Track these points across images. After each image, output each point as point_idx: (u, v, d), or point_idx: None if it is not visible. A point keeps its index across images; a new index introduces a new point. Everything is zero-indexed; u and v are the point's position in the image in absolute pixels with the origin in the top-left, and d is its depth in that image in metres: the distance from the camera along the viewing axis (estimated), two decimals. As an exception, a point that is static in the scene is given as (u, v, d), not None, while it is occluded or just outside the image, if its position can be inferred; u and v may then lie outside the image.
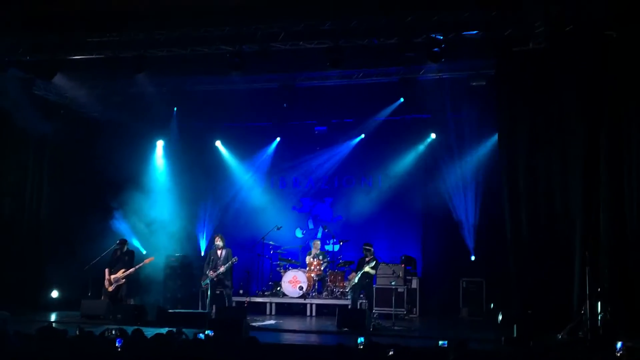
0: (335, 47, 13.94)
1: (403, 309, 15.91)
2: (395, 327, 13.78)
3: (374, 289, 15.43)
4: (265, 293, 17.65)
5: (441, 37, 13.52)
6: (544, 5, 12.63)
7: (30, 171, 16.83)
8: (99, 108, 17.54)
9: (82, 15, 13.56)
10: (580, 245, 12.62)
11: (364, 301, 15.22)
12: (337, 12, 13.34)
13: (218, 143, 19.64)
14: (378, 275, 15.61)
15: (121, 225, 17.24)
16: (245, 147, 19.48)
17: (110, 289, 15.05)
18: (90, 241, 16.52)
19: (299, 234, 19.54)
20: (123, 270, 15.14)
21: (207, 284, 15.04)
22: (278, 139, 19.41)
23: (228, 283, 15.14)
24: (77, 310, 14.75)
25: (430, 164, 17.96)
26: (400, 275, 15.87)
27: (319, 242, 18.06)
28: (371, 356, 8.77)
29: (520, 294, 13.33)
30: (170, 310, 15.15)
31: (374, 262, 14.57)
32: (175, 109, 18.51)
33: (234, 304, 15.93)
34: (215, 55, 14.65)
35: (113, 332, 9.84)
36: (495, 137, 14.98)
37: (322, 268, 17.40)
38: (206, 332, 9.79)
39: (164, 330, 10.10)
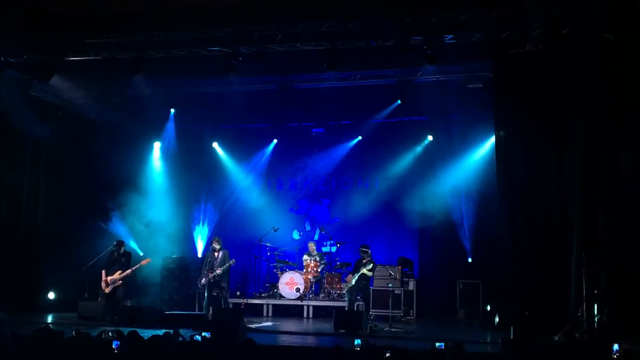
0: (332, 49, 13.96)
1: (400, 311, 15.91)
2: (392, 329, 13.77)
3: (371, 290, 15.44)
4: (262, 295, 17.64)
5: (438, 40, 13.53)
6: (541, 7, 12.65)
7: (27, 172, 16.80)
8: (96, 109, 17.54)
9: (79, 16, 13.56)
10: (577, 247, 12.63)
11: (361, 303, 15.23)
12: (334, 14, 13.36)
13: (215, 145, 19.64)
14: (375, 277, 15.61)
15: (118, 227, 17.23)
16: (243, 149, 19.48)
17: (107, 290, 15.04)
18: (87, 243, 16.54)
19: (296, 235, 19.54)
20: (120, 271, 15.13)
21: (204, 285, 15.04)
22: (275, 140, 19.41)
23: (225, 285, 15.14)
24: (74, 312, 14.74)
25: (427, 166, 17.97)
26: (397, 277, 15.87)
27: (314, 244, 18.04)
28: (368, 358, 8.78)
29: (517, 296, 13.33)
30: (167, 312, 15.14)
31: (371, 264, 14.57)
32: (172, 110, 18.51)
33: (230, 306, 15.93)
34: (212, 56, 14.67)
35: (110, 333, 9.85)
36: (492, 139, 14.99)
37: (319, 270, 17.40)
38: (203, 334, 9.80)
39: (160, 332, 10.09)
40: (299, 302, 16.83)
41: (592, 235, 12.60)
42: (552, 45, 13.01)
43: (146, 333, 9.90)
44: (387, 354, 8.38)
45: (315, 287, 17.42)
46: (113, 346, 8.74)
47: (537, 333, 11.58)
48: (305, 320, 16.40)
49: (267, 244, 18.00)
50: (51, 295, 16.86)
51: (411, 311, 16.47)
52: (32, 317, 14.57)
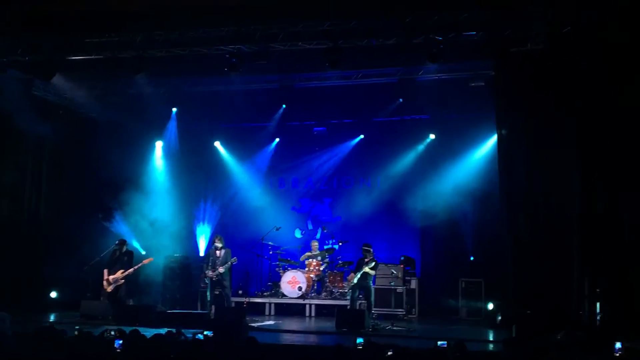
0: (334, 48, 13.94)
1: (402, 310, 15.92)
2: (394, 328, 13.79)
3: (373, 289, 15.42)
4: (265, 293, 17.66)
5: (440, 38, 13.52)
6: (543, 6, 12.64)
7: (28, 172, 16.81)
8: (98, 109, 17.55)
9: (80, 16, 13.55)
10: (579, 245, 12.63)
11: (363, 302, 15.22)
12: (336, 12, 13.35)
13: (217, 144, 19.64)
14: (377, 276, 15.60)
15: (120, 226, 17.24)
16: (245, 148, 19.48)
17: (109, 289, 15.05)
18: (89, 242, 16.54)
19: (298, 234, 19.53)
20: (122, 270, 15.14)
21: (206, 284, 15.04)
22: (277, 139, 19.40)
23: (227, 284, 15.14)
24: (76, 311, 14.76)
25: (429, 165, 17.95)
26: (399, 275, 15.87)
27: (316, 243, 18.05)
28: (370, 357, 8.78)
29: (519, 295, 13.33)
30: (169, 311, 15.16)
31: (373, 262, 14.56)
32: (174, 109, 18.52)
33: (233, 305, 15.93)
34: (214, 55, 14.66)
35: (112, 332, 9.85)
36: (494, 138, 14.99)
37: (321, 269, 17.40)
38: (205, 333, 9.80)
39: (163, 331, 10.11)
40: (301, 301, 16.84)
41: (594, 234, 12.60)
42: (553, 44, 13.01)
43: (148, 332, 9.91)
44: (389, 353, 8.38)
45: (318, 285, 17.43)
46: (115, 345, 8.75)
47: (539, 332, 11.58)
48: (307, 319, 16.41)
49: (269, 243, 18.01)
50: (53, 294, 16.86)
51: (413, 310, 16.46)
52: (34, 316, 14.56)
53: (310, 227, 19.60)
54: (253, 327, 13.70)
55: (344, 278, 16.80)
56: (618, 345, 8.95)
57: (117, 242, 15.56)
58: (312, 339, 13.15)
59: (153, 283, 17.30)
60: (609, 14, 12.32)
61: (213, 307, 14.88)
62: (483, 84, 15.30)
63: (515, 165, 13.71)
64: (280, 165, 19.69)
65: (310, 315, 16.63)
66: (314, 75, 16.65)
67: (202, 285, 15.33)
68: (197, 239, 19.16)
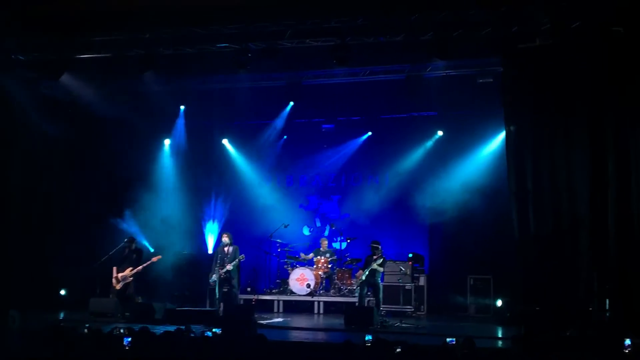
0: (341, 45, 13.94)
1: (410, 306, 15.91)
2: (403, 325, 13.78)
3: (382, 286, 15.41)
4: (273, 291, 17.68)
5: (448, 35, 13.49)
6: (551, 1, 12.59)
7: (38, 170, 16.85)
8: (106, 107, 17.52)
9: (88, 15, 13.58)
10: (588, 242, 12.59)
11: (372, 299, 15.23)
12: (343, 9, 13.34)
13: (225, 141, 19.65)
14: (385, 273, 15.60)
15: (129, 224, 17.27)
16: (253, 145, 19.48)
17: (118, 287, 15.10)
18: (98, 239, 16.57)
19: (306, 231, 19.53)
20: (131, 268, 15.18)
21: (215, 281, 15.06)
22: (285, 137, 19.39)
23: (235, 281, 15.15)
24: (85, 309, 14.80)
25: (438, 162, 17.91)
26: (408, 272, 15.85)
27: (326, 240, 18.06)
28: (378, 353, 8.79)
29: (527, 291, 13.30)
30: (178, 308, 15.19)
31: (382, 259, 14.57)
32: (182, 107, 18.54)
33: (241, 302, 15.96)
34: (221, 53, 14.68)
35: (121, 330, 9.88)
36: (503, 134, 14.95)
37: (329, 266, 17.41)
38: (214, 330, 9.82)
39: (172, 328, 10.13)
40: (309, 298, 16.85)
41: (603, 231, 12.57)
42: (561, 40, 12.96)
43: (157, 329, 9.95)
44: (398, 350, 8.39)
45: (326, 283, 17.43)
46: (124, 343, 8.78)
47: (548, 328, 11.56)
48: (315, 316, 16.43)
49: (278, 240, 18.02)
50: (63, 292, 16.91)
51: (422, 306, 16.43)
52: (44, 313, 14.62)
53: (318, 224, 19.59)
54: (262, 324, 13.72)
55: (353, 275, 16.82)
56: (627, 342, 8.93)
57: (126, 239, 15.60)
58: (320, 336, 13.16)
59: (162, 280, 17.32)
60: (618, 8, 12.28)
61: (222, 304, 14.90)
62: (491, 80, 15.27)
63: (524, 161, 13.67)
64: (288, 162, 19.68)
65: (318, 313, 16.65)
66: (321, 73, 16.65)
67: (210, 282, 15.34)
68: (206, 237, 19.19)
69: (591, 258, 12.22)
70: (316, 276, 16.92)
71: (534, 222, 13.42)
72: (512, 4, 12.79)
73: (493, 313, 15.78)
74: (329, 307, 16.81)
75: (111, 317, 14.32)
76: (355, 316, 13.65)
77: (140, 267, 15.22)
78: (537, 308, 12.68)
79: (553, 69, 13.39)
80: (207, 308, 16.14)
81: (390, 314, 15.20)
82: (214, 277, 15.08)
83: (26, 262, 16.15)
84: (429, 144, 18.22)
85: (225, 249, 15.16)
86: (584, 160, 12.98)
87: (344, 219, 19.26)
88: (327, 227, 19.15)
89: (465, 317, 16.04)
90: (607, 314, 11.74)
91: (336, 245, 18.56)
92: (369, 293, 15.05)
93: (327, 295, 17.10)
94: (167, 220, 18.11)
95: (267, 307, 16.81)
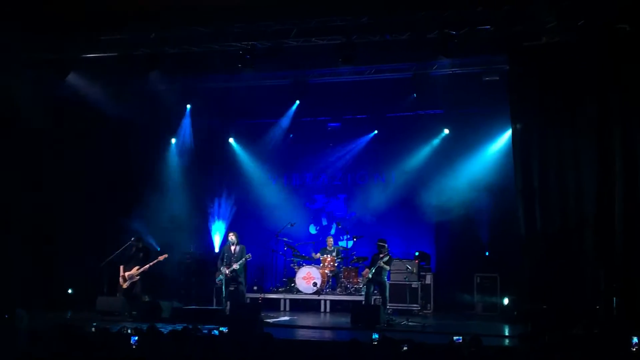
0: (347, 43, 13.94)
1: (417, 305, 15.90)
2: (409, 323, 13.78)
3: (388, 284, 15.41)
4: (280, 289, 17.69)
5: (454, 33, 13.48)
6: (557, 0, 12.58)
7: (45, 169, 16.88)
8: (112, 106, 17.56)
9: (94, 14, 13.61)
10: (595, 240, 12.57)
11: (378, 297, 15.23)
12: (348, 8, 13.33)
13: (231, 140, 19.67)
14: (392, 271, 15.61)
15: (135, 223, 17.29)
16: (259, 144, 19.49)
17: (125, 285, 15.13)
18: (105, 238, 16.60)
19: (312, 230, 19.55)
20: (137, 267, 15.21)
21: (221, 280, 15.08)
22: (291, 135, 19.40)
23: (242, 280, 15.17)
24: (92, 307, 14.84)
25: (444, 160, 17.90)
26: (414, 271, 15.84)
27: (332, 239, 18.06)
28: (385, 352, 8.79)
29: (534, 290, 13.28)
30: (184, 307, 15.22)
31: (388, 257, 14.57)
32: (188, 106, 18.56)
33: (248, 301, 15.97)
34: (227, 52, 14.69)
35: (128, 329, 9.90)
36: (509, 132, 14.92)
37: (335, 264, 17.41)
38: (221, 329, 9.84)
39: (179, 327, 10.14)
40: (316, 297, 16.86)
41: (610, 229, 12.54)
42: (567, 38, 12.93)
43: (164, 328, 9.97)
44: (405, 348, 8.39)
45: (332, 281, 17.44)
46: (131, 341, 8.80)
47: (555, 326, 11.54)
48: (322, 314, 16.44)
49: (284, 239, 18.03)
50: (70, 291, 16.95)
51: (428, 305, 16.44)
52: (51, 312, 14.66)
53: (324, 222, 19.61)
54: (268, 322, 13.75)
55: (359, 273, 16.81)
56: (635, 340, 8.91)
57: (132, 238, 15.62)
58: (327, 334, 13.16)
59: (169, 279, 17.36)
60: (624, 5, 12.25)
61: (228, 303, 14.92)
62: (497, 78, 15.23)
63: (530, 159, 13.65)
64: (294, 161, 19.70)
65: (325, 311, 16.66)
66: (327, 71, 16.63)
67: (217, 281, 15.37)
68: (212, 235, 19.21)
69: (598, 256, 12.19)
70: (322, 275, 16.93)
71: (541, 220, 13.39)
72: (517, 2, 12.76)
73: (500, 311, 15.78)
74: (336, 306, 16.81)
75: (118, 315, 14.35)
76: (362, 314, 13.66)
77: (147, 266, 15.25)
78: (544, 306, 12.66)
79: (559, 66, 13.36)
80: (214, 307, 16.16)
81: (396, 312, 15.20)
82: (221, 276, 15.10)
83: (33, 262, 16.20)
84: (435, 142, 18.20)
85: (232, 247, 15.19)
86: (590, 159, 12.95)
87: (351, 218, 19.27)
88: (334, 226, 19.17)
89: (472, 316, 16.02)
90: (614, 312, 11.70)
91: (342, 243, 18.56)
92: (375, 291, 15.05)
93: (333, 294, 17.11)
94: (174, 219, 18.13)
95: (273, 306, 16.81)
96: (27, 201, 16.46)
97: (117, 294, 15.18)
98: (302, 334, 12.86)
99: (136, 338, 8.84)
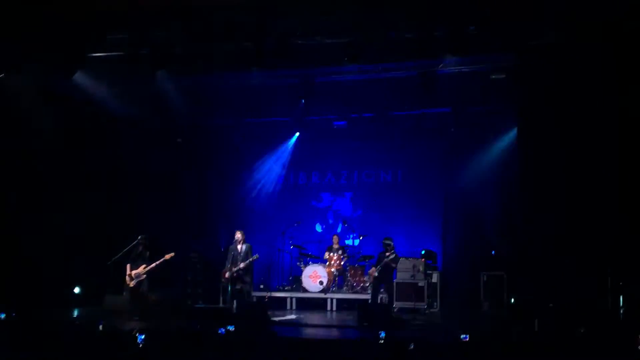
0: (353, 42, 13.92)
1: (424, 303, 15.89)
2: (416, 322, 13.78)
3: (395, 283, 15.41)
4: (286, 288, 17.71)
5: (461, 31, 13.45)
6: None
7: (51, 169, 16.89)
8: (119, 106, 17.59)
9: (100, 14, 13.63)
10: (601, 238, 12.54)
11: (385, 295, 15.23)
12: (355, 6, 13.32)
13: (237, 139, 19.67)
14: (398, 270, 15.60)
15: (142, 221, 17.31)
16: (265, 143, 19.53)
17: (132, 284, 15.14)
18: (112, 237, 16.63)
19: (318, 228, 19.57)
20: (144, 265, 15.22)
21: (228, 279, 15.09)
22: (297, 134, 19.42)
23: (248, 279, 15.18)
24: (99, 306, 14.87)
25: (450, 158, 17.92)
26: (421, 269, 15.85)
27: (337, 237, 18.06)
28: (392, 350, 8.80)
29: (541, 288, 13.26)
30: (191, 306, 15.23)
31: (394, 256, 14.57)
32: (195, 105, 18.56)
33: (254, 299, 15.99)
34: (233, 51, 14.68)
35: (135, 327, 9.92)
36: (516, 130, 14.91)
37: (342, 263, 17.41)
38: (227, 327, 9.85)
39: (185, 326, 10.16)
40: (322, 295, 16.86)
41: (616, 226, 12.51)
42: (575, 36, 12.90)
43: (171, 327, 9.98)
44: (411, 346, 8.39)
45: (339, 280, 17.45)
46: (138, 340, 8.82)
47: (562, 325, 11.53)
48: (328, 313, 16.44)
49: (290, 237, 18.05)
50: (77, 290, 16.99)
51: (435, 303, 16.43)
52: (58, 311, 14.70)
53: (330, 221, 19.62)
54: (275, 321, 13.75)
55: (365, 272, 16.82)
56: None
57: (139, 237, 15.64)
58: (334, 333, 13.18)
59: (175, 278, 17.39)
60: (630, 6, 12.21)
61: (235, 301, 14.93)
62: (504, 76, 15.21)
63: (537, 158, 13.63)
64: (300, 159, 19.73)
65: (331, 310, 16.65)
66: (334, 70, 16.61)
67: (223, 280, 15.39)
68: (219, 234, 19.23)
69: (605, 254, 12.15)
70: (329, 273, 16.94)
71: (547, 218, 13.37)
72: (525, 1, 12.74)
73: (506, 310, 15.75)
74: (342, 304, 16.81)
75: (125, 314, 14.38)
76: (368, 313, 13.64)
77: (153, 265, 15.25)
78: (551, 305, 12.64)
79: (566, 65, 13.33)
80: (221, 305, 16.19)
81: (403, 310, 15.20)
82: (227, 274, 15.11)
83: (40, 260, 16.23)
84: (442, 140, 18.20)
85: (239, 246, 15.19)
86: (596, 156, 12.92)
87: (357, 216, 19.28)
88: (340, 224, 19.18)
89: (479, 314, 16.01)
90: (621, 310, 11.68)
91: (349, 242, 18.58)
92: (381, 290, 15.06)
93: (340, 292, 17.12)
94: (181, 217, 18.17)
95: (280, 305, 16.83)
96: (33, 200, 16.50)
97: (124, 293, 15.20)
98: (309, 333, 12.87)
99: (143, 337, 8.86)
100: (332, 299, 16.83)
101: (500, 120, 16.46)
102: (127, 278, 15.21)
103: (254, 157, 19.79)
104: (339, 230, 19.10)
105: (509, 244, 16.13)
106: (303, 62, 15.74)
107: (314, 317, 15.22)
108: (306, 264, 17.36)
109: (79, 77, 15.69)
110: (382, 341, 9.18)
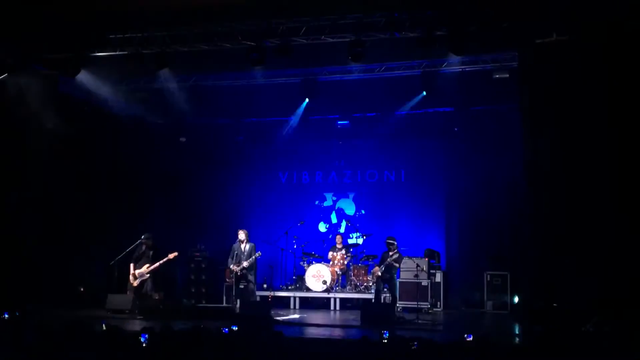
0: (357, 41, 13.92)
1: (427, 303, 15.88)
2: (419, 321, 13.76)
3: (398, 282, 15.40)
4: (289, 287, 17.71)
5: (464, 30, 13.44)
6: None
7: (55, 168, 16.91)
8: (123, 105, 17.62)
9: (103, 14, 13.64)
10: (606, 238, 12.51)
11: (388, 295, 15.22)
12: (358, 5, 13.32)
13: (240, 138, 19.67)
14: (402, 269, 15.60)
15: (146, 221, 17.33)
16: (268, 142, 19.52)
17: (135, 283, 15.16)
18: (115, 236, 16.64)
19: (322, 228, 19.56)
20: (148, 265, 15.24)
21: (231, 278, 15.10)
22: (301, 133, 19.39)
23: (251, 278, 15.19)
24: (102, 305, 14.88)
25: (453, 157, 17.90)
26: (424, 268, 15.84)
27: (341, 237, 18.04)
28: (395, 349, 8.79)
29: (545, 287, 13.23)
30: (195, 305, 15.23)
31: (397, 255, 14.56)
32: (198, 104, 18.57)
33: (257, 299, 15.99)
34: (237, 50, 14.69)
35: (138, 327, 9.92)
36: (519, 130, 14.88)
37: (345, 262, 17.41)
38: (231, 327, 9.85)
39: (189, 325, 10.16)
40: (325, 295, 16.86)
41: (621, 226, 12.48)
42: (578, 35, 12.88)
43: (175, 326, 9.97)
44: (415, 346, 8.38)
45: (342, 279, 17.44)
46: (141, 339, 8.81)
47: (566, 324, 11.51)
48: (332, 312, 16.43)
49: (294, 237, 18.05)
50: (80, 289, 17.00)
51: (438, 303, 16.42)
52: (61, 310, 14.70)
53: (334, 220, 19.61)
54: (278, 320, 13.74)
55: (369, 271, 16.81)
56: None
57: (143, 236, 15.65)
58: (337, 332, 13.16)
59: (179, 277, 17.41)
60: (634, 5, 12.19)
61: (238, 301, 14.94)
62: (507, 75, 15.20)
63: (540, 157, 13.60)
64: (304, 159, 19.74)
65: (334, 309, 16.65)
66: (337, 69, 16.62)
67: (227, 279, 15.39)
68: (223, 233, 19.20)
69: (609, 254, 12.11)
70: (332, 273, 16.93)
71: (551, 218, 13.34)
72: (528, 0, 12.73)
73: (510, 309, 15.74)
74: (345, 304, 16.81)
75: (128, 313, 14.39)
76: (372, 312, 13.64)
77: (157, 264, 15.27)
78: (555, 304, 12.62)
79: (570, 64, 13.29)
80: (224, 305, 16.19)
81: (406, 310, 15.18)
82: (230, 274, 15.11)
83: (44, 260, 16.24)
84: (445, 139, 18.17)
85: (242, 245, 15.21)
86: (601, 156, 12.89)
87: (360, 216, 19.27)
88: (343, 224, 19.17)
89: (482, 314, 16.01)
90: (625, 310, 11.64)
91: (352, 241, 18.57)
92: (385, 289, 15.05)
93: (343, 292, 17.11)
94: (184, 216, 18.17)
95: (283, 304, 16.83)
96: (38, 199, 16.51)
97: (128, 292, 15.21)
98: (312, 332, 12.85)
99: (147, 336, 8.85)
100: (335, 299, 16.82)
101: (503, 120, 16.42)
102: (131, 277, 15.23)
103: (257, 156, 19.78)
104: (342, 229, 19.09)
105: (512, 243, 16.12)
106: (307, 61, 15.77)
107: (317, 317, 15.21)
108: (309, 264, 17.35)
109: (82, 76, 15.72)
110: (386, 341, 9.17)
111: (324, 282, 16.77)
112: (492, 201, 17.01)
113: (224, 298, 16.80)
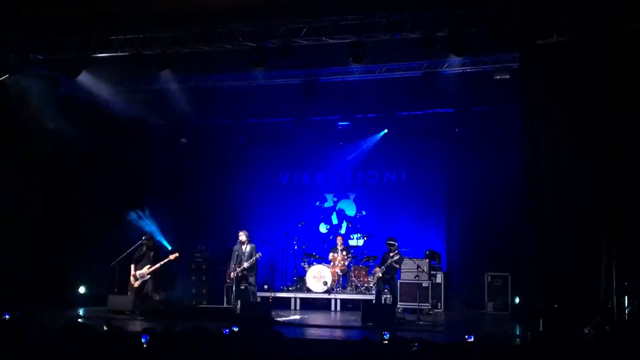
0: (358, 42, 13.92)
1: (428, 304, 15.87)
2: (420, 322, 13.76)
3: (399, 283, 15.40)
4: (290, 288, 17.71)
5: (464, 31, 13.44)
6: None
7: (56, 168, 16.93)
8: (124, 105, 17.61)
9: (105, 15, 13.64)
10: (607, 238, 12.51)
11: (389, 296, 15.22)
12: (359, 6, 13.33)
13: (241, 139, 19.66)
14: (402, 270, 15.59)
15: (147, 222, 17.33)
16: (269, 143, 19.52)
17: (136, 284, 15.17)
18: (116, 237, 16.64)
19: (323, 229, 19.56)
20: (148, 266, 15.25)
21: (232, 279, 15.10)
22: (301, 134, 19.39)
23: (252, 279, 15.18)
24: (103, 306, 14.89)
25: (454, 158, 17.90)
26: (425, 269, 15.82)
27: (341, 238, 18.03)
28: (396, 351, 8.77)
29: (546, 288, 13.23)
30: (196, 306, 15.23)
31: (398, 256, 14.56)
32: (198, 105, 18.55)
33: (258, 299, 15.98)
34: (238, 51, 14.69)
35: (139, 327, 9.92)
36: (520, 131, 14.87)
37: (346, 263, 17.40)
38: (232, 328, 9.84)
39: (190, 326, 10.15)
40: (326, 296, 16.86)
41: (622, 227, 12.48)
42: (579, 35, 12.88)
43: (175, 327, 9.96)
44: (415, 347, 8.37)
45: (343, 280, 17.43)
46: (142, 340, 8.80)
47: (567, 326, 11.50)
48: (332, 313, 16.44)
49: (294, 238, 18.05)
50: (81, 290, 17.01)
51: (439, 304, 16.41)
52: (62, 311, 14.71)
53: (334, 221, 19.61)
54: (279, 321, 13.74)
55: (369, 272, 16.81)
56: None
57: (144, 237, 15.66)
58: (338, 333, 13.15)
59: (179, 278, 17.40)
60: (635, 5, 12.19)
61: (239, 302, 14.93)
62: (508, 76, 15.20)
63: (541, 158, 13.59)
64: (304, 160, 19.74)
65: (335, 310, 16.65)
66: (338, 70, 16.63)
67: (227, 280, 15.39)
68: (223, 234, 19.20)
69: (610, 255, 12.11)
70: (333, 273, 16.93)
71: (552, 219, 13.33)
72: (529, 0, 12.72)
73: (511, 310, 15.73)
74: (346, 305, 16.81)
75: (129, 314, 14.39)
76: (373, 313, 13.64)
77: (158, 265, 15.29)
78: (556, 305, 12.61)
79: (571, 65, 13.29)
80: (225, 306, 16.19)
81: (407, 311, 15.18)
82: (232, 275, 15.11)
83: (44, 259, 16.25)
84: (446, 140, 18.17)
85: (243, 247, 15.20)
86: (602, 156, 12.89)
87: (361, 216, 19.27)
88: (344, 225, 19.16)
89: (483, 315, 16.00)
90: (627, 311, 11.64)
91: (353, 242, 18.56)
92: (385, 290, 15.05)
93: (344, 293, 17.11)
94: (185, 218, 18.17)
95: (284, 305, 16.83)
96: (39, 200, 16.53)
97: (128, 293, 15.22)
98: (313, 333, 12.86)
99: (147, 337, 8.85)
100: (336, 300, 16.82)
101: (504, 121, 16.41)
102: (132, 278, 15.24)
103: (257, 156, 19.77)
104: (343, 230, 19.08)
105: (513, 244, 16.10)
106: (307, 62, 15.78)
107: (317, 318, 15.22)
108: (310, 264, 17.35)
109: (83, 77, 15.72)
110: (386, 341, 9.16)
111: (325, 283, 16.77)
112: (493, 202, 16.99)
113: (225, 299, 16.79)
